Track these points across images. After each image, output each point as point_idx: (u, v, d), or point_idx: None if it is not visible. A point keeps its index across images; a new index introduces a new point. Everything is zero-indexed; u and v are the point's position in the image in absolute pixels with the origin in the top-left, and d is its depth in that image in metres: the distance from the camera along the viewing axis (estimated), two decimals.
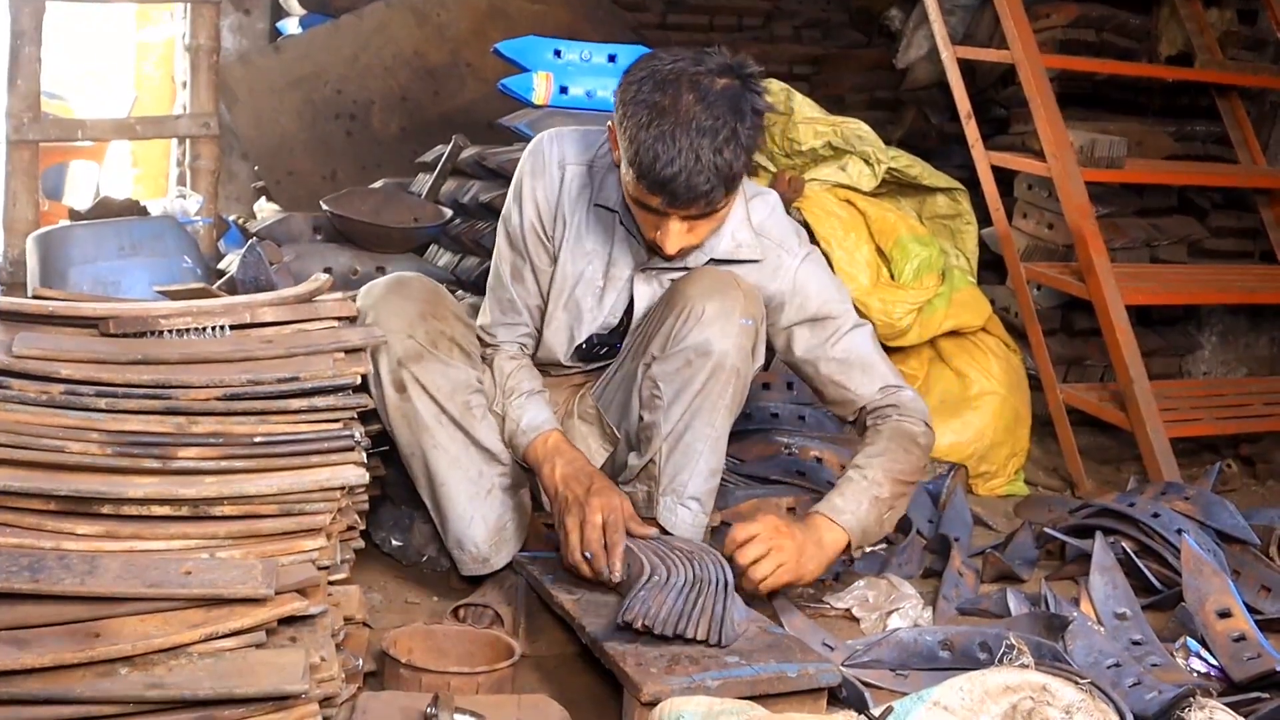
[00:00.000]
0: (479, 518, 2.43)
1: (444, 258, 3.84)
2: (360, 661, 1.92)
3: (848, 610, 2.57)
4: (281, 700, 1.60)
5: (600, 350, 2.57)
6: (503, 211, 2.54)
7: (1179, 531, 2.72)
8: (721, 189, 2.19)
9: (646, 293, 2.48)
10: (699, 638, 1.99)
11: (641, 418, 2.43)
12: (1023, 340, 3.87)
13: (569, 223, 2.46)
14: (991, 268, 4.18)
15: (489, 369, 2.51)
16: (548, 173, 2.46)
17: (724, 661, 1.95)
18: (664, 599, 2.01)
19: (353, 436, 1.94)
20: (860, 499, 2.36)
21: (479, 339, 2.54)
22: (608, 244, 2.46)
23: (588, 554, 2.21)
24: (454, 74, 5.02)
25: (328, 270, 3.32)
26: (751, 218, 2.46)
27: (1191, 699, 1.83)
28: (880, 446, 2.43)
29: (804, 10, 5.94)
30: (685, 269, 2.44)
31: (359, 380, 2.01)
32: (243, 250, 3.16)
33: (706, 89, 2.17)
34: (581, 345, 2.54)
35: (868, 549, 2.49)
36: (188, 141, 4.28)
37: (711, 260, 2.44)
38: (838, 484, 2.42)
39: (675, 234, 2.26)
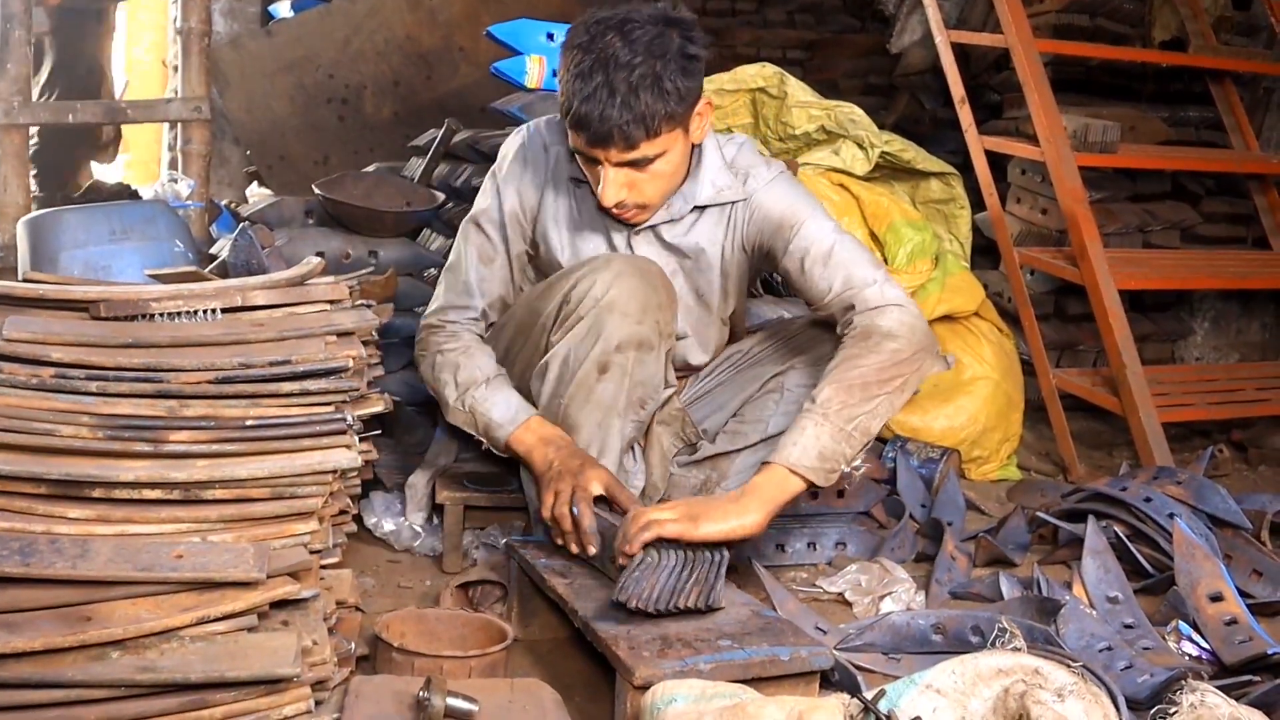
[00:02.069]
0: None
1: (436, 242, 3.83)
2: (352, 645, 1.92)
3: (840, 594, 2.58)
4: (273, 684, 1.60)
5: None
6: (479, 197, 2.51)
7: (1171, 516, 2.72)
8: (640, 128, 2.18)
9: (649, 253, 2.45)
10: (692, 605, 2.00)
11: (742, 414, 2.41)
12: (1016, 325, 3.87)
13: (557, 202, 2.45)
14: (985, 253, 4.18)
15: (432, 354, 2.44)
16: (538, 158, 2.46)
17: (716, 645, 1.94)
18: (656, 580, 2.02)
19: (345, 420, 1.94)
20: (804, 427, 2.18)
21: (424, 325, 2.48)
22: (599, 220, 2.45)
23: (574, 509, 2.20)
24: (447, 58, 5.00)
25: (320, 254, 3.30)
26: (725, 155, 2.45)
27: (1183, 682, 1.83)
28: (833, 363, 2.27)
29: None
30: (671, 220, 2.42)
31: (350, 364, 2.00)
32: (234, 234, 3.15)
33: (630, 31, 2.19)
34: None
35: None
36: (179, 126, 4.27)
37: (695, 208, 2.43)
38: None
39: (611, 183, 2.26)
